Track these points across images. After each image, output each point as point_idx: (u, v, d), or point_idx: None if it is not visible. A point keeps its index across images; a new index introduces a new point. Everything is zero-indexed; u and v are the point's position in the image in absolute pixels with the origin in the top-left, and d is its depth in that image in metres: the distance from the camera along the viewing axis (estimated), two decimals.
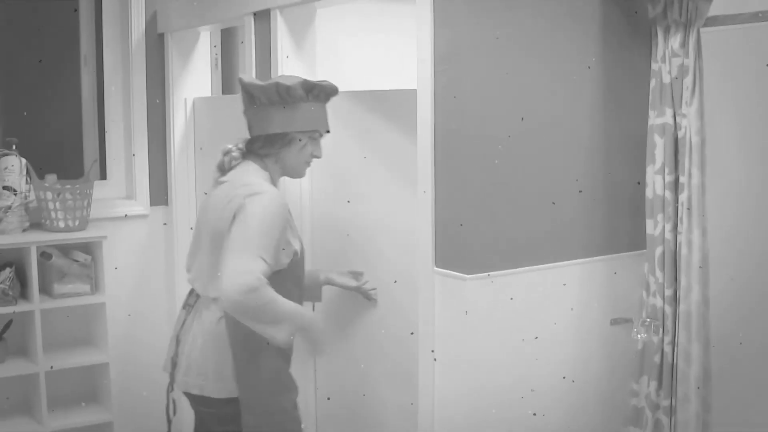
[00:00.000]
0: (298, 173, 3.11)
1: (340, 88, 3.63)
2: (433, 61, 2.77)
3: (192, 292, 3.10)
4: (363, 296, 3.31)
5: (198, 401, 3.06)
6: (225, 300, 2.72)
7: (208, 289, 2.99)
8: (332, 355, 3.47)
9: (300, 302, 3.17)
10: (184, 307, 3.12)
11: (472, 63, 2.69)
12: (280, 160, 3.04)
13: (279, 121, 2.98)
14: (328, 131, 3.10)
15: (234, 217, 2.85)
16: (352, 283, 3.31)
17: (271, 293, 2.75)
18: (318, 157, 3.09)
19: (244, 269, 2.73)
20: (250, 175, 3.00)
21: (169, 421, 3.20)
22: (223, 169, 3.08)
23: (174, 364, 3.08)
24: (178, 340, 3.09)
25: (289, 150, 3.02)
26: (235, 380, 2.94)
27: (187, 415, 3.31)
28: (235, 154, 3.07)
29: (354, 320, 3.42)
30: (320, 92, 3.02)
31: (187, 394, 3.07)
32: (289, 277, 3.02)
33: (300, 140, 3.01)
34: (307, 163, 3.10)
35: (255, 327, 2.81)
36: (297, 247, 3.04)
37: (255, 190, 2.90)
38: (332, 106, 3.17)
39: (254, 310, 2.75)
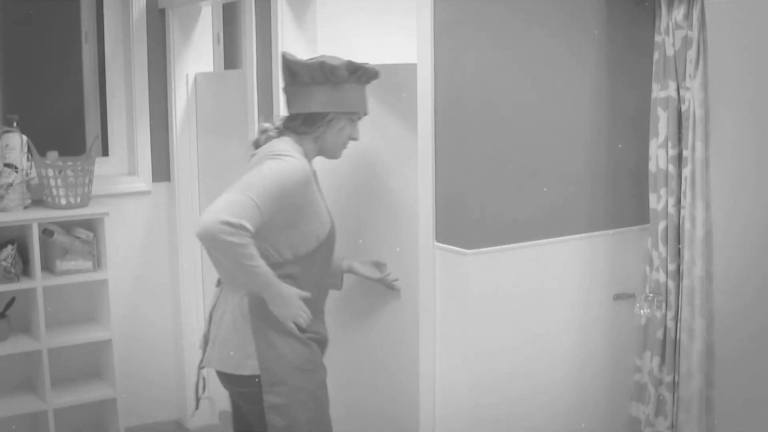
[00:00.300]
0: (334, 154, 3.08)
1: None
2: (433, 35, 2.74)
3: None
4: (386, 287, 3.29)
5: (224, 379, 3.06)
6: (199, 225, 2.73)
7: None
8: (345, 344, 3.45)
9: (324, 284, 3.14)
10: (217, 285, 3.12)
11: (473, 36, 2.66)
12: (319, 139, 3.01)
13: (321, 101, 2.95)
14: (366, 114, 3.07)
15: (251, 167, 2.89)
16: (375, 274, 3.28)
17: (249, 243, 2.74)
18: (355, 140, 3.07)
19: (233, 206, 2.73)
20: (281, 144, 2.98)
21: (198, 399, 3.19)
22: (258, 146, 3.07)
23: (206, 341, 3.08)
24: (210, 318, 3.09)
25: (329, 130, 2.99)
26: (256, 357, 2.94)
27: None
28: (272, 133, 3.05)
29: (368, 308, 3.41)
30: (363, 74, 2.99)
31: (217, 372, 3.07)
32: (321, 254, 3.02)
33: (340, 121, 2.99)
34: (344, 145, 3.07)
35: (220, 270, 2.90)
36: (328, 224, 3.02)
37: (280, 154, 2.89)
38: None
39: (222, 248, 2.74)
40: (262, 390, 2.92)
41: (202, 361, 3.10)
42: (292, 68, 2.97)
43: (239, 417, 3.20)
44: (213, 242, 2.73)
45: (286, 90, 3.04)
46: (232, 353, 2.97)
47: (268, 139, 3.04)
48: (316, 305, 3.03)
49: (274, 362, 2.91)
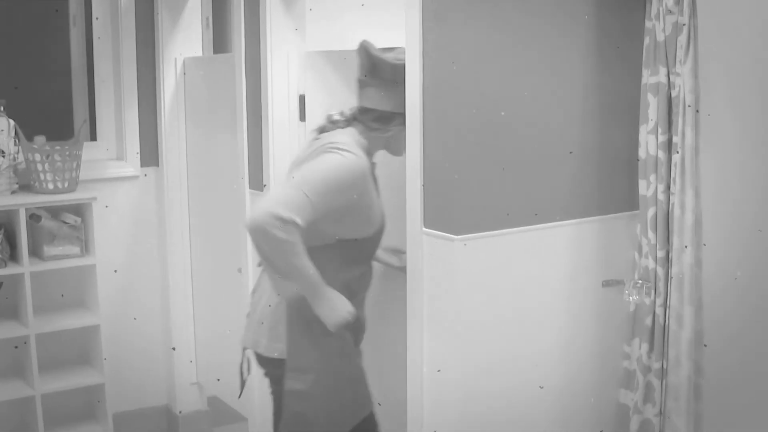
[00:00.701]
0: (400, 152, 3.04)
1: (330, 47, 3.59)
2: (422, 19, 2.72)
3: None
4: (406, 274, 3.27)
5: (257, 358, 3.09)
6: (250, 217, 2.71)
7: None
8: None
9: (366, 280, 3.12)
10: (259, 265, 3.11)
11: (462, 21, 2.64)
12: (392, 137, 2.97)
13: (401, 102, 2.87)
14: None
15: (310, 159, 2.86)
16: (395, 262, 3.27)
17: (298, 242, 2.71)
18: None
19: (286, 200, 2.71)
20: (345, 136, 2.95)
21: (243, 381, 3.18)
22: (322, 133, 3.05)
23: (248, 319, 3.11)
24: (252, 298, 3.12)
25: (403, 130, 2.94)
26: (285, 342, 2.94)
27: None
28: (342, 125, 3.02)
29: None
30: None
31: (254, 352, 3.09)
32: (366, 247, 3.02)
33: None
34: None
35: (266, 267, 2.82)
36: (377, 223, 3.00)
37: (340, 147, 2.86)
38: (324, 64, 3.11)
39: (270, 242, 2.70)
40: (285, 374, 2.92)
41: (244, 341, 3.12)
42: (376, 64, 2.91)
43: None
44: (263, 236, 2.70)
45: (361, 82, 2.99)
46: (265, 334, 2.99)
47: (334, 127, 3.01)
48: (357, 294, 3.03)
49: (302, 349, 2.92)
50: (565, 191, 2.91)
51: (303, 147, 3.08)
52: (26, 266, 3.96)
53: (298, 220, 2.68)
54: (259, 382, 3.34)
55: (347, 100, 3.19)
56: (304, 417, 2.92)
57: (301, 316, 2.91)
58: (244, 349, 3.12)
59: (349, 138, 2.93)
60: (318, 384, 2.92)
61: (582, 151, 2.92)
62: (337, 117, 3.03)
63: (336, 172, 2.82)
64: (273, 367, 3.01)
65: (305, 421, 2.92)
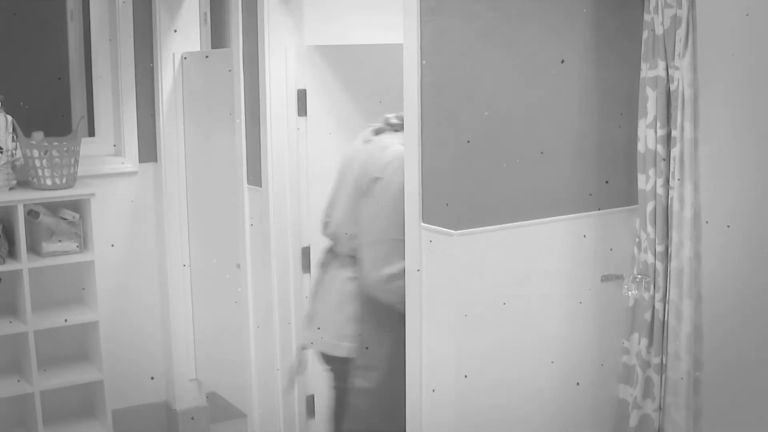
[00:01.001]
0: None
1: (328, 42, 3.58)
2: (419, 15, 2.71)
3: (327, 250, 3.14)
4: None
5: (322, 357, 3.14)
6: (369, 289, 2.90)
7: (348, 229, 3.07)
8: None
9: None
10: (320, 266, 3.19)
11: (459, 16, 2.63)
12: None
13: None
14: None
15: (371, 184, 2.96)
16: None
17: None
18: None
19: (382, 260, 2.87)
20: (395, 138, 3.01)
21: (292, 381, 3.21)
22: (377, 134, 3.10)
23: (309, 320, 3.16)
24: (314, 298, 3.17)
25: None
26: (355, 342, 3.00)
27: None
28: (398, 128, 3.05)
29: None
30: None
31: (318, 352, 3.15)
32: None
33: None
34: None
35: (399, 307, 2.91)
36: None
37: (392, 156, 2.94)
38: (320, 59, 3.09)
39: (397, 294, 2.87)
40: (352, 372, 2.98)
41: (304, 340, 3.18)
42: None
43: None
44: (387, 295, 2.91)
45: None
46: (330, 333, 3.05)
47: (391, 130, 3.07)
48: None
49: (373, 347, 2.95)
50: (564, 186, 2.90)
51: (354, 146, 3.11)
52: (24, 263, 3.95)
53: (402, 264, 2.82)
54: (258, 379, 3.34)
55: (343, 97, 3.20)
56: (369, 414, 2.97)
57: (373, 315, 2.94)
58: (303, 349, 3.14)
59: (399, 139, 2.97)
60: (383, 382, 2.97)
61: (581, 145, 2.91)
62: (394, 120, 3.07)
63: (393, 195, 2.91)
64: (339, 364, 3.08)
65: (369, 419, 2.97)
